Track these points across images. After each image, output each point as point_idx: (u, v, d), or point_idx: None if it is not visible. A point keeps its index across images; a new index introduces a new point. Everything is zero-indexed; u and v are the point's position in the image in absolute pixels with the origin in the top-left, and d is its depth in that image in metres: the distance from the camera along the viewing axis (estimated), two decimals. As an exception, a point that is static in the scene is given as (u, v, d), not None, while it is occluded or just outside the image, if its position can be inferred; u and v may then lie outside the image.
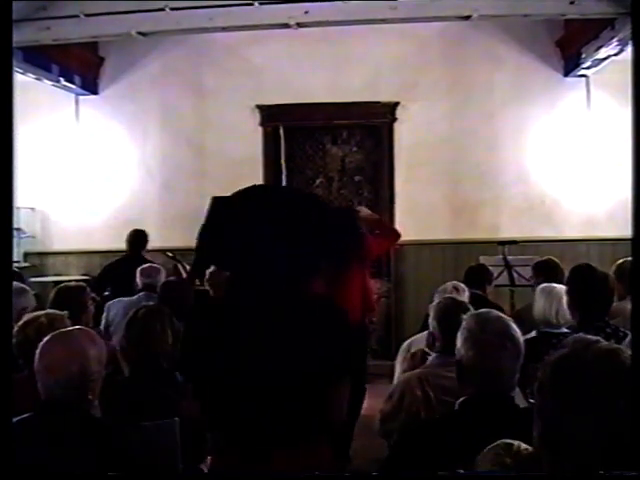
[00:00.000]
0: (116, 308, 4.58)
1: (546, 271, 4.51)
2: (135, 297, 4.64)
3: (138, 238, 6.52)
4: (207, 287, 4.58)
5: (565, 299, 3.53)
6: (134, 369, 2.85)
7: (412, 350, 3.58)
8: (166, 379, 2.82)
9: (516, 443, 1.52)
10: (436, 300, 3.57)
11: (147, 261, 6.28)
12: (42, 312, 3.12)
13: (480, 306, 3.80)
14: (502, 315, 2.22)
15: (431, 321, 3.05)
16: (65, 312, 3.07)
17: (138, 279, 4.92)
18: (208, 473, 2.68)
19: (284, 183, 7.76)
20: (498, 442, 1.55)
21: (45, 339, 2.25)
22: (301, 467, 2.02)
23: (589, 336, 1.46)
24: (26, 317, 3.02)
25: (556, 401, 1.35)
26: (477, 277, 4.95)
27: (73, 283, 4.31)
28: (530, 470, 1.43)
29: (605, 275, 3.51)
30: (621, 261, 4.05)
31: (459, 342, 2.17)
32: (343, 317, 2.19)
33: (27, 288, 4.08)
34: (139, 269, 5.01)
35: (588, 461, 1.30)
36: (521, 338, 2.15)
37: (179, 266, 6.56)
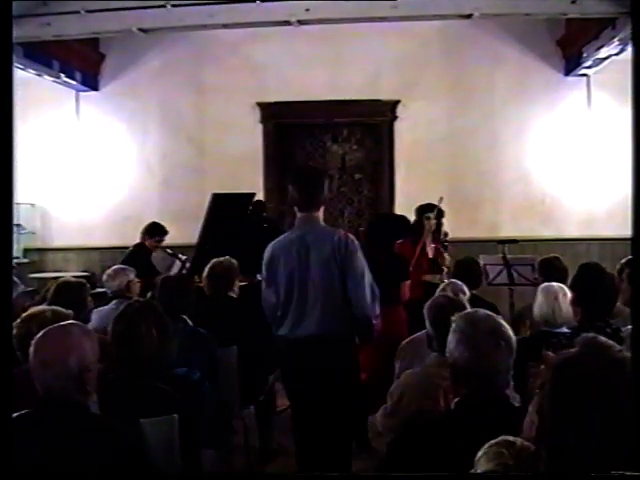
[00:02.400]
0: (94, 319, 4.39)
1: (549, 270, 4.49)
2: (108, 307, 4.50)
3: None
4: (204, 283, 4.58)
5: (567, 297, 3.52)
6: (120, 367, 2.83)
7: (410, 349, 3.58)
8: (155, 376, 2.81)
9: (518, 441, 1.51)
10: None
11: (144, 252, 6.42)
12: (48, 307, 3.11)
13: (475, 306, 3.80)
14: (491, 313, 2.22)
15: (426, 321, 3.05)
16: (70, 312, 3.06)
17: (106, 285, 4.73)
18: (208, 473, 2.70)
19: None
20: (499, 439, 1.54)
21: (38, 335, 2.24)
22: (392, 317, 4.49)
23: (602, 339, 1.43)
24: (31, 310, 3.02)
25: (555, 401, 1.35)
26: (469, 274, 4.68)
27: (73, 279, 4.29)
28: (533, 469, 1.42)
29: (612, 276, 3.50)
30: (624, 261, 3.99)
31: (451, 344, 2.16)
32: (403, 258, 5.01)
33: (16, 280, 4.13)
34: (106, 274, 4.89)
35: (585, 463, 1.29)
36: (513, 335, 2.15)
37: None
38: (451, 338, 2.19)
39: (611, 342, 1.41)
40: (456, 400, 2.13)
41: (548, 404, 1.36)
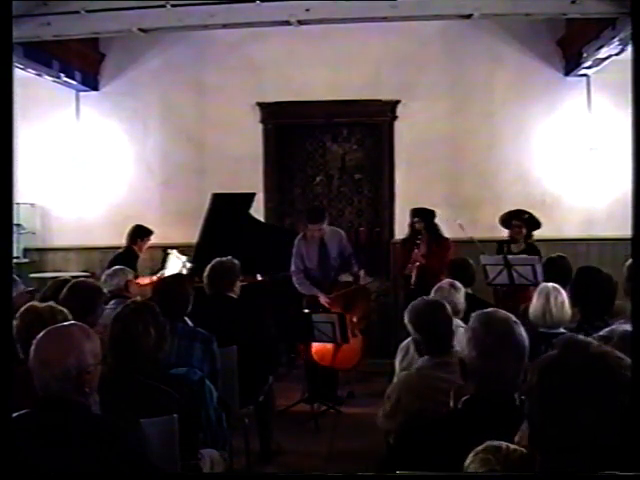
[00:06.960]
0: None
1: (552, 269, 4.49)
2: (107, 307, 4.48)
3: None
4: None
5: (561, 298, 3.54)
6: (118, 368, 2.82)
7: (411, 349, 3.58)
8: (153, 376, 2.81)
9: (504, 445, 1.52)
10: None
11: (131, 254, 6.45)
12: (45, 304, 3.12)
13: (470, 305, 3.81)
14: (507, 316, 2.20)
15: (408, 326, 3.04)
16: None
17: (105, 285, 4.68)
18: (208, 473, 2.70)
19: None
20: (484, 445, 1.55)
21: (40, 334, 2.24)
22: None
23: (580, 337, 1.45)
24: (28, 305, 3.04)
25: (543, 404, 1.35)
26: (462, 273, 4.71)
27: (90, 280, 4.26)
28: (522, 471, 1.43)
29: (610, 277, 3.51)
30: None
31: (464, 341, 2.17)
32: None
33: (17, 279, 4.15)
34: (105, 274, 4.89)
35: (576, 462, 1.30)
36: (525, 339, 2.14)
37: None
38: (464, 335, 2.19)
39: (589, 339, 1.44)
40: (464, 399, 2.13)
41: (536, 408, 1.36)
